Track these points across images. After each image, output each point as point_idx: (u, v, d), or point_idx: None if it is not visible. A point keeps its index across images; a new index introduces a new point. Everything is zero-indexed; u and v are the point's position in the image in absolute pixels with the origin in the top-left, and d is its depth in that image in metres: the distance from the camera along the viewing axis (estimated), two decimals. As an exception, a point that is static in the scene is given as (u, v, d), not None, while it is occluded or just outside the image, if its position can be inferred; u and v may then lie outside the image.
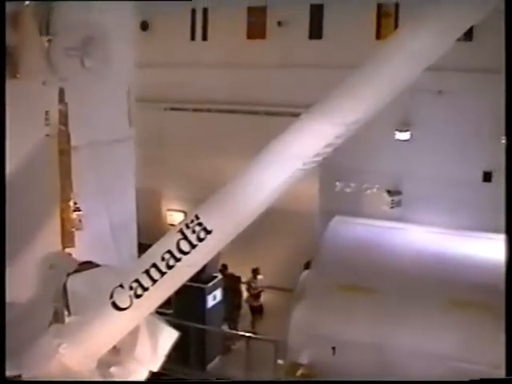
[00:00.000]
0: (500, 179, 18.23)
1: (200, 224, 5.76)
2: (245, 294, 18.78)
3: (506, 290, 5.16)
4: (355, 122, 5.40)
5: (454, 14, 5.16)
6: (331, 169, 16.41)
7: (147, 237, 10.14)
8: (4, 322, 7.13)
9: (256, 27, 20.13)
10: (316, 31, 19.39)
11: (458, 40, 5.88)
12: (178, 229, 5.91)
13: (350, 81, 5.42)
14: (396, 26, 17.81)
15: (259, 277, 18.46)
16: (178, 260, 5.90)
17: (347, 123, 5.38)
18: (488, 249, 15.63)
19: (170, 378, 13.54)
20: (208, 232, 5.75)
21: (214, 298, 16.84)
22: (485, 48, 16.71)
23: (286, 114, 17.11)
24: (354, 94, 5.34)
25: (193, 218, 5.82)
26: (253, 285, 18.57)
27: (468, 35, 15.80)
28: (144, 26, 21.29)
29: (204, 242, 5.78)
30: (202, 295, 16.36)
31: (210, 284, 16.61)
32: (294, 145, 5.49)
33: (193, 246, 5.82)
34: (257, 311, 18.75)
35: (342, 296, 14.65)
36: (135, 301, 6.20)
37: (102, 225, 11.37)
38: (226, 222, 5.80)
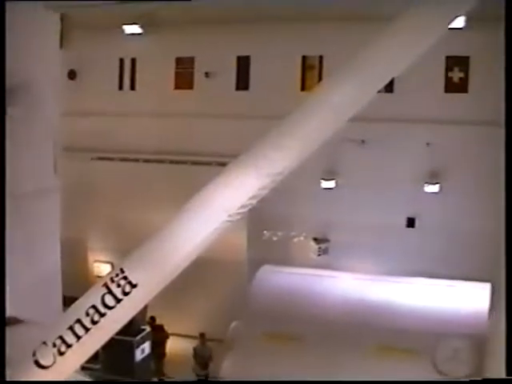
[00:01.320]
0: (423, 224, 18.74)
1: (125, 278, 5.67)
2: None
3: (506, 290, 5.27)
4: (280, 172, 5.48)
5: (373, 67, 5.36)
6: (259, 218, 16.51)
7: (73, 289, 9.86)
8: (4, 322, 6.79)
9: (183, 77, 20.31)
10: (243, 82, 19.72)
11: (380, 91, 6.12)
12: (102, 283, 5.80)
13: (275, 132, 5.52)
14: (320, 78, 18.37)
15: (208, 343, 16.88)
16: (102, 315, 5.76)
17: (272, 174, 5.46)
18: (413, 294, 15.99)
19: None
20: (133, 286, 5.66)
21: (143, 351, 16.45)
22: (405, 99, 17.41)
23: (213, 163, 17.31)
24: (279, 145, 5.43)
25: (118, 271, 5.73)
26: (200, 353, 16.92)
27: (389, 87, 16.39)
28: (72, 75, 21.14)
29: (129, 296, 5.68)
30: (130, 349, 15.96)
31: (138, 337, 16.25)
32: (220, 197, 5.52)
33: (118, 301, 5.71)
34: (204, 381, 16.84)
35: (271, 345, 14.60)
36: (59, 358, 5.99)
37: (25, 278, 11.03)
38: (151, 275, 5.73)
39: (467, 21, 14.85)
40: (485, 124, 16.15)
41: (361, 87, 5.44)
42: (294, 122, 5.48)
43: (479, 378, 5.36)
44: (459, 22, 14.49)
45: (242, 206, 5.56)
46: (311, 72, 18.96)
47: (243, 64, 19.69)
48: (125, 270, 5.71)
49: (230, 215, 5.53)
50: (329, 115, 5.42)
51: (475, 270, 15.96)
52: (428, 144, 17.71)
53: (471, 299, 15.52)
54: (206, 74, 19.84)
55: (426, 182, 17.87)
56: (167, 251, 5.66)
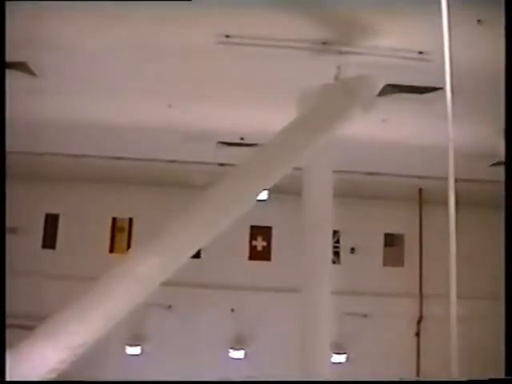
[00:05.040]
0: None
1: None
2: None
3: (506, 290, 5.09)
4: (81, 345, 5.26)
5: (181, 237, 5.50)
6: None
7: None
8: (4, 321, 5.24)
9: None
10: (50, 240, 19.14)
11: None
12: None
13: (77, 303, 5.35)
14: (129, 240, 18.41)
15: None
16: None
17: (72, 347, 5.21)
18: None
19: None
20: None
21: None
22: (211, 265, 17.88)
23: (17, 326, 16.11)
24: (80, 318, 5.24)
25: None
26: None
27: (196, 253, 16.75)
28: None
29: None
30: None
31: None
32: (13, 371, 5.10)
33: None
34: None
35: None
36: None
37: None
38: None
39: (270, 193, 15.95)
40: (286, 291, 16.92)
41: (168, 258, 5.54)
42: (98, 293, 5.38)
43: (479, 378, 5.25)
44: (263, 195, 15.53)
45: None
46: (121, 234, 18.97)
47: (51, 222, 19.22)
48: None
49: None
50: (134, 286, 5.40)
51: None
52: (233, 310, 18.09)
53: None
54: (12, 230, 19.02)
55: (231, 348, 18.02)
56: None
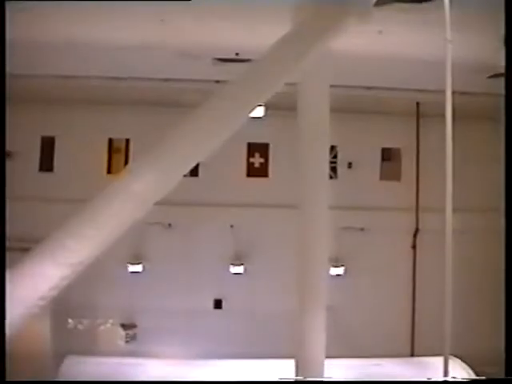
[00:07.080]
0: (230, 305, 18.86)
1: None
2: None
3: (506, 290, 5.25)
4: (81, 262, 5.32)
5: (177, 154, 5.48)
6: (63, 304, 15.73)
7: None
8: (4, 321, 5.55)
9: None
10: (47, 163, 19.08)
11: (185, 175, 6.26)
12: None
13: (74, 220, 5.37)
14: (127, 161, 18.37)
15: None
16: None
17: (72, 264, 5.27)
18: (223, 376, 15.97)
19: None
20: None
21: None
22: (209, 183, 17.96)
23: (16, 248, 16.28)
24: (78, 235, 5.28)
25: None
26: None
27: (194, 171, 16.81)
28: None
29: None
30: None
31: None
32: (16, 288, 5.19)
33: None
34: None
35: None
36: None
37: None
38: None
39: (266, 110, 15.82)
40: (284, 206, 17.05)
41: (164, 174, 5.51)
42: (95, 210, 5.39)
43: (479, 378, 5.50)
44: (259, 112, 15.40)
45: (41, 298, 5.28)
46: (118, 155, 18.91)
47: (48, 144, 19.11)
48: None
49: (27, 307, 5.22)
50: (131, 203, 5.40)
51: (280, 348, 16.39)
52: (232, 226, 18.29)
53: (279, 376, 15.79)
54: (8, 154, 18.93)
55: (232, 264, 18.33)
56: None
